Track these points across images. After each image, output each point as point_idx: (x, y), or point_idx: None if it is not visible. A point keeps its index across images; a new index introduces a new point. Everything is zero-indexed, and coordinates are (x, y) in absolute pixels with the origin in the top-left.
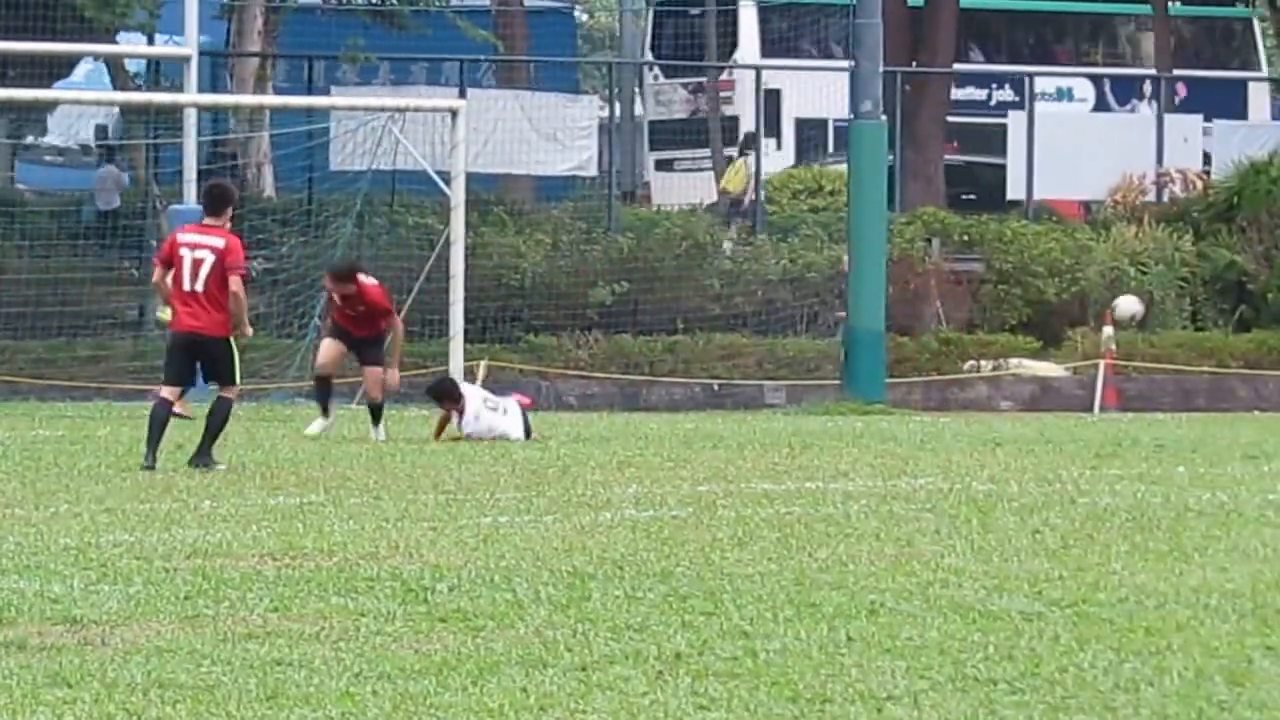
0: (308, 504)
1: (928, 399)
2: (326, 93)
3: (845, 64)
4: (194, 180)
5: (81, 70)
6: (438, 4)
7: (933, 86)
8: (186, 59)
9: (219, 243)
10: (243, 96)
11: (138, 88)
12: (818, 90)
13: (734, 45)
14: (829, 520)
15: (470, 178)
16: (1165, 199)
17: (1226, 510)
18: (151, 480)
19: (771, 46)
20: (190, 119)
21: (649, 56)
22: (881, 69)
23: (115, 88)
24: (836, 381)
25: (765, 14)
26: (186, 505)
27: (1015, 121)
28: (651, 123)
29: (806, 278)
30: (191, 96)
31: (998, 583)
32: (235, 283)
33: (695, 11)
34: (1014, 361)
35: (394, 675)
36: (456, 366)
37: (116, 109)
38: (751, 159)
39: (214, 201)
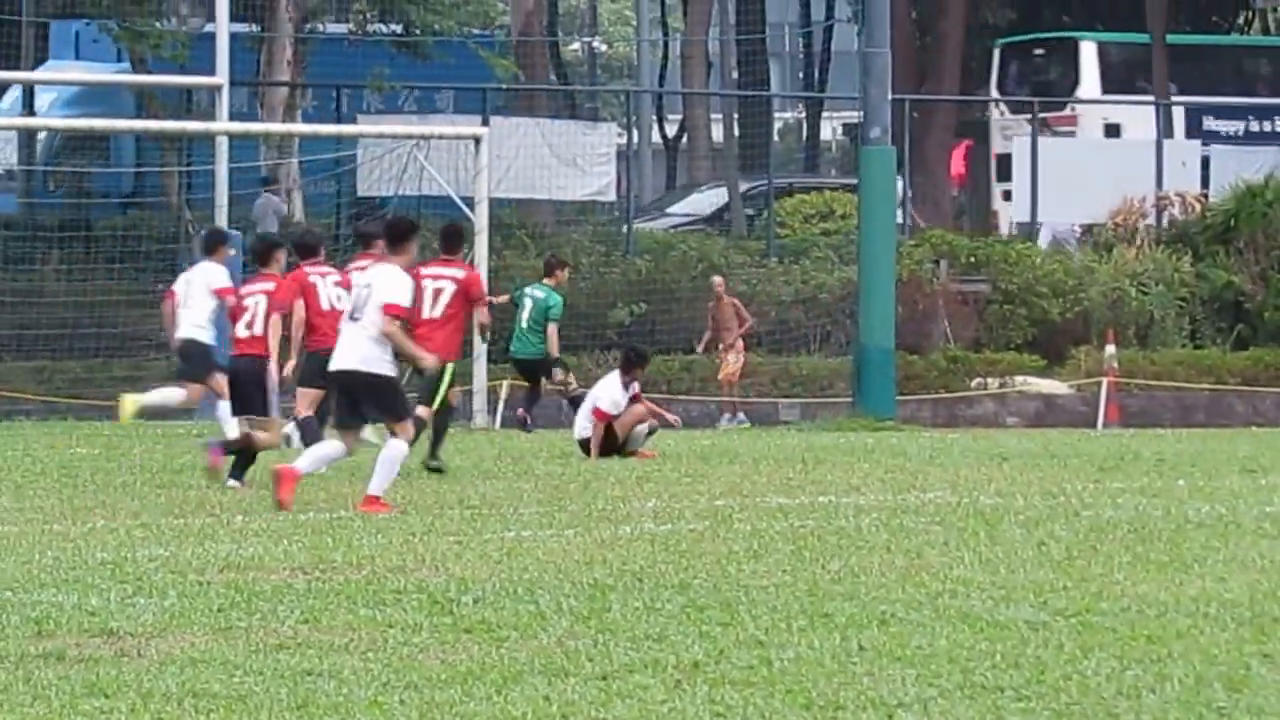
0: (337, 519)
1: (936, 415)
2: (353, 121)
3: (1182, 99)
4: (225, 205)
5: (8, 99)
6: (460, 35)
7: (939, 113)
8: (218, 88)
9: (460, 274)
10: (272, 124)
11: (169, 115)
12: (1153, 124)
13: (1076, 81)
14: (841, 533)
15: (493, 202)
16: (1165, 222)
17: (1225, 522)
18: (185, 496)
19: (1111, 83)
20: (222, 146)
21: (995, 94)
22: (890, 96)
23: (145, 115)
24: (849, 399)
25: (1104, 50)
26: (219, 520)
27: (1019, 148)
28: (998, 155)
29: (819, 298)
30: (224, 125)
31: (1004, 593)
32: (481, 313)
33: (1039, 51)
34: (1019, 379)
35: (421, 685)
36: (480, 387)
37: (42, 134)
38: None
39: (450, 239)
